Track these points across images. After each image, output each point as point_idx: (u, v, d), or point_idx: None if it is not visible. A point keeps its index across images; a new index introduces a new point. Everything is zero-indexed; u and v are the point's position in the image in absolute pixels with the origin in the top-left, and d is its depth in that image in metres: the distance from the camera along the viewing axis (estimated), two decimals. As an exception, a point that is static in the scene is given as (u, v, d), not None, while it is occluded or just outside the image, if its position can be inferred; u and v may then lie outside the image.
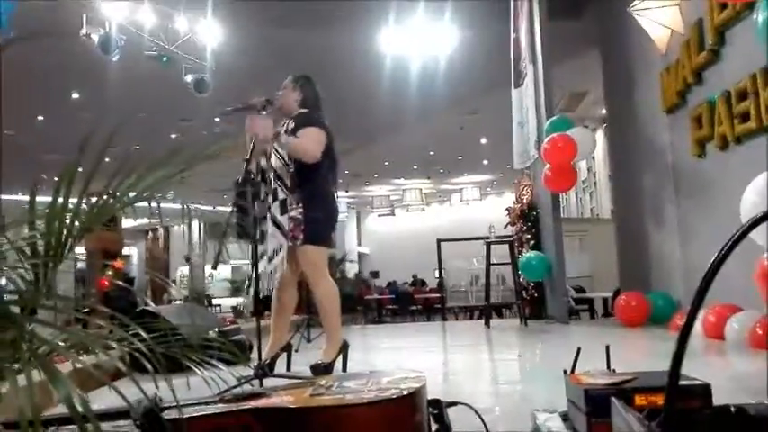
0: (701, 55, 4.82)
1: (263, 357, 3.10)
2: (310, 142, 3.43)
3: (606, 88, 7.78)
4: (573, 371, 1.81)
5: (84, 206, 1.20)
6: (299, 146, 3.42)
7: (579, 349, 1.85)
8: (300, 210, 3.44)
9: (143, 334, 0.93)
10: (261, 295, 3.28)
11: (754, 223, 0.76)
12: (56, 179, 1.27)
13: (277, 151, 3.53)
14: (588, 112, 12.16)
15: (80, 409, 0.67)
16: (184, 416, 1.39)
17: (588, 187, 14.65)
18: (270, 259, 3.50)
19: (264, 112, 3.46)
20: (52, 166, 12.41)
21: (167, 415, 1.41)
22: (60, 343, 0.88)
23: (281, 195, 3.47)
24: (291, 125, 3.56)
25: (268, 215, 3.52)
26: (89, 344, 0.89)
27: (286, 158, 3.50)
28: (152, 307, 4.10)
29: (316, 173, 3.48)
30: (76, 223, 1.18)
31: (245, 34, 8.56)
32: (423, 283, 18.39)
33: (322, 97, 3.73)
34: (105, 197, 1.21)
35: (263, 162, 3.60)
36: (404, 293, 16.54)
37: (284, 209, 3.45)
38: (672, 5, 5.22)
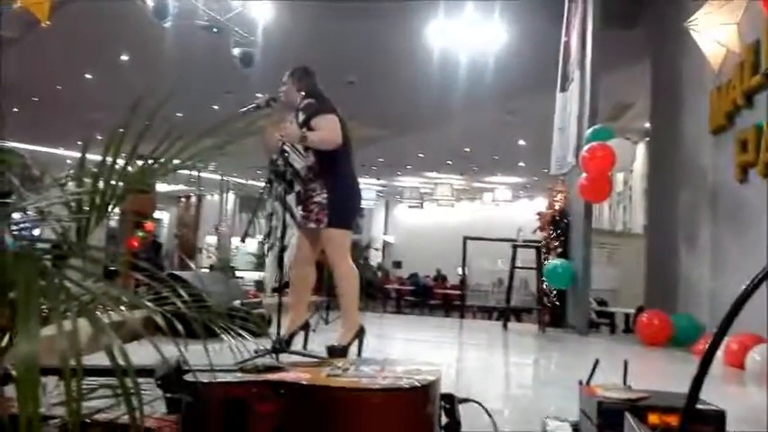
0: (753, 78, 4.70)
1: (282, 333, 3.17)
2: (327, 131, 3.49)
3: (652, 102, 7.64)
4: (589, 382, 1.81)
5: (129, 168, 1.24)
6: (317, 138, 3.48)
7: (597, 361, 1.85)
8: (325, 195, 3.51)
9: (182, 293, 0.96)
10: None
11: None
12: (100, 138, 1.32)
13: (293, 146, 3.58)
14: (632, 124, 11.95)
15: (121, 360, 0.70)
16: (205, 381, 1.43)
17: (623, 200, 14.42)
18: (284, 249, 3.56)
19: (269, 110, 3.59)
20: (96, 124, 12.69)
21: (190, 377, 1.45)
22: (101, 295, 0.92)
23: (296, 187, 3.55)
24: (301, 116, 3.60)
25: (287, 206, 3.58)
26: (127, 299, 0.93)
27: (301, 150, 3.57)
28: (181, 272, 4.19)
29: (336, 158, 3.54)
30: (121, 183, 1.22)
31: (296, 15, 8.60)
32: (444, 278, 18.38)
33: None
34: (151, 162, 1.25)
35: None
36: (425, 287, 16.55)
37: (299, 199, 3.54)
38: (731, 24, 5.09)
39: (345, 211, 3.59)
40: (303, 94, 3.67)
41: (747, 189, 4.85)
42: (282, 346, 3.09)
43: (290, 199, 3.60)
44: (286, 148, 3.52)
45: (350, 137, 3.66)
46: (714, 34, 5.25)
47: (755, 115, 4.74)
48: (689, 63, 6.03)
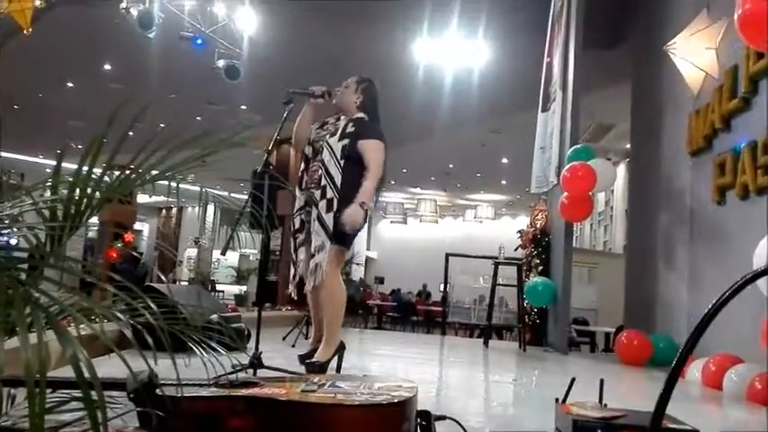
0: (732, 102, 4.79)
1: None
2: (377, 167, 3.49)
3: (633, 123, 7.75)
4: (565, 400, 1.81)
5: (106, 178, 1.23)
6: (372, 184, 3.45)
7: (573, 379, 1.85)
8: (336, 210, 3.43)
9: (152, 306, 0.94)
10: (299, 289, 3.34)
11: (757, 275, 0.77)
12: (78, 147, 1.30)
13: (330, 148, 3.53)
14: (613, 145, 12.11)
15: (86, 373, 0.68)
16: (177, 395, 1.41)
17: (603, 220, 14.57)
18: (312, 256, 3.52)
19: (321, 100, 3.61)
20: (75, 132, 12.57)
21: (161, 392, 1.43)
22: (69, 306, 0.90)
23: (329, 194, 3.46)
24: (351, 128, 3.56)
25: (313, 211, 3.52)
26: (97, 311, 0.91)
27: (338, 156, 3.50)
28: (158, 285, 4.13)
29: (357, 179, 3.46)
30: (97, 193, 1.20)
31: (281, 27, 8.64)
32: (428, 295, 18.36)
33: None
34: (128, 171, 1.24)
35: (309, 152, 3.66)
36: (407, 303, 16.51)
37: (330, 207, 3.44)
38: (710, 49, 5.19)
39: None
40: (359, 104, 3.65)
41: (725, 211, 4.92)
42: (260, 361, 3.05)
43: (322, 205, 3.52)
44: (330, 143, 3.48)
45: (385, 170, 3.63)
46: (693, 58, 5.35)
47: (733, 138, 4.82)
48: (669, 85, 6.14)
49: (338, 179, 3.47)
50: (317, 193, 3.52)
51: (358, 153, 3.50)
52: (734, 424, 3.23)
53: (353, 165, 3.49)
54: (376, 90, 3.75)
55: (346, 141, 3.51)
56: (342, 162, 3.48)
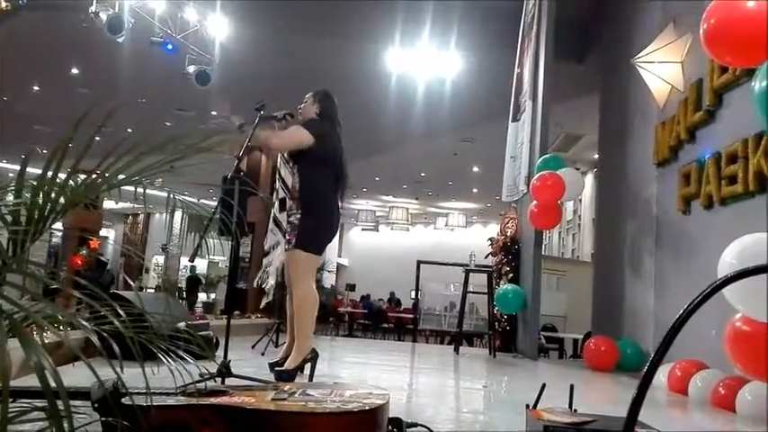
0: (696, 114, 4.91)
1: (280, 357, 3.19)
2: (277, 136, 3.57)
3: (601, 133, 7.88)
4: (535, 406, 1.82)
5: (71, 183, 1.20)
6: (262, 136, 3.54)
7: (544, 385, 1.87)
8: (299, 216, 3.53)
9: (120, 312, 0.92)
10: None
11: (726, 282, 0.78)
12: (44, 152, 1.27)
13: (282, 154, 3.69)
14: (581, 155, 12.31)
15: (52, 382, 0.66)
16: (144, 404, 1.38)
17: (572, 228, 14.77)
18: (266, 254, 3.64)
19: (285, 122, 3.73)
20: (42, 138, 12.31)
21: (126, 401, 1.40)
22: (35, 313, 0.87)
23: (281, 194, 3.64)
24: None
25: (271, 213, 3.75)
26: (62, 318, 0.89)
27: (286, 158, 3.67)
28: (124, 292, 4.06)
29: (317, 181, 3.56)
30: (62, 199, 1.18)
31: (253, 34, 8.59)
32: (399, 302, 18.35)
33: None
34: (94, 176, 1.21)
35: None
36: (378, 310, 16.48)
37: (282, 207, 3.63)
38: (675, 62, 5.32)
39: (315, 235, 3.58)
40: (318, 114, 3.76)
41: (689, 220, 5.03)
42: (229, 369, 3.00)
43: (276, 206, 3.73)
44: (279, 163, 3.62)
45: (344, 171, 3.72)
46: (659, 71, 5.47)
47: (698, 149, 4.94)
48: (636, 98, 6.27)
49: (289, 180, 3.62)
50: (273, 196, 3.77)
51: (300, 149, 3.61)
52: (699, 428, 3.28)
53: (305, 164, 3.57)
54: (331, 97, 3.88)
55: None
56: (291, 163, 3.64)
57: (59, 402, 0.71)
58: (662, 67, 5.42)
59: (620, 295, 6.37)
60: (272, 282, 3.65)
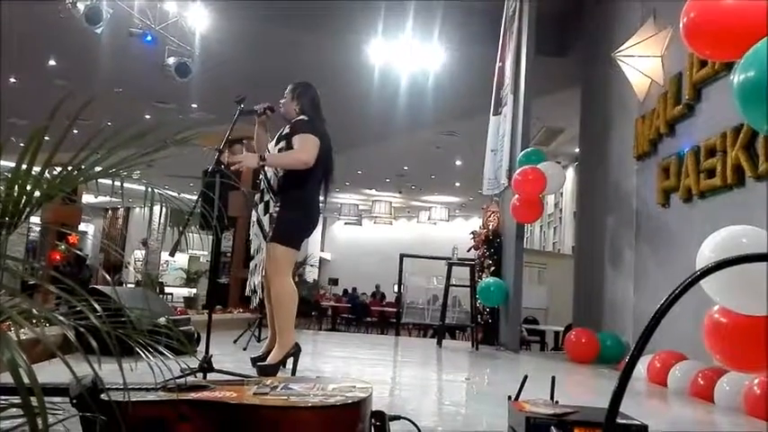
0: (676, 108, 4.96)
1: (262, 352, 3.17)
2: (301, 151, 3.50)
3: (582, 127, 7.93)
4: (517, 398, 1.83)
5: (47, 175, 1.18)
6: (287, 159, 3.51)
7: (526, 377, 1.88)
8: (278, 209, 3.53)
9: (97, 307, 0.90)
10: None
11: (705, 273, 0.79)
12: (21, 144, 1.25)
13: (269, 153, 3.66)
14: (562, 149, 12.38)
15: (26, 379, 0.65)
16: (123, 399, 1.36)
17: (553, 222, 14.89)
18: (251, 257, 3.64)
19: (265, 117, 3.71)
20: (17, 130, 12.08)
21: (105, 397, 1.38)
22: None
23: (266, 197, 3.62)
24: (287, 130, 3.65)
25: (253, 215, 3.69)
26: (39, 314, 0.87)
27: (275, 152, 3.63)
28: (102, 287, 4.01)
29: (301, 178, 3.54)
30: (37, 191, 1.15)
31: (234, 26, 8.50)
32: (383, 296, 18.36)
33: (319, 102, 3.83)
34: (70, 169, 1.19)
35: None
36: (361, 304, 16.48)
37: (267, 209, 3.59)
38: (655, 56, 5.36)
39: (293, 229, 3.56)
40: (298, 109, 3.70)
41: (669, 213, 5.09)
42: (210, 364, 2.99)
43: (260, 208, 3.70)
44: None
45: (330, 166, 3.72)
46: (639, 65, 5.51)
47: (677, 143, 4.99)
48: (616, 92, 6.31)
49: (275, 182, 3.58)
50: (257, 197, 3.66)
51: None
52: (679, 418, 3.33)
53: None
54: (313, 91, 3.82)
55: (282, 144, 3.60)
56: (279, 169, 3.60)
57: (33, 399, 0.69)
58: (642, 61, 5.47)
59: (601, 288, 6.44)
60: (257, 280, 3.64)
